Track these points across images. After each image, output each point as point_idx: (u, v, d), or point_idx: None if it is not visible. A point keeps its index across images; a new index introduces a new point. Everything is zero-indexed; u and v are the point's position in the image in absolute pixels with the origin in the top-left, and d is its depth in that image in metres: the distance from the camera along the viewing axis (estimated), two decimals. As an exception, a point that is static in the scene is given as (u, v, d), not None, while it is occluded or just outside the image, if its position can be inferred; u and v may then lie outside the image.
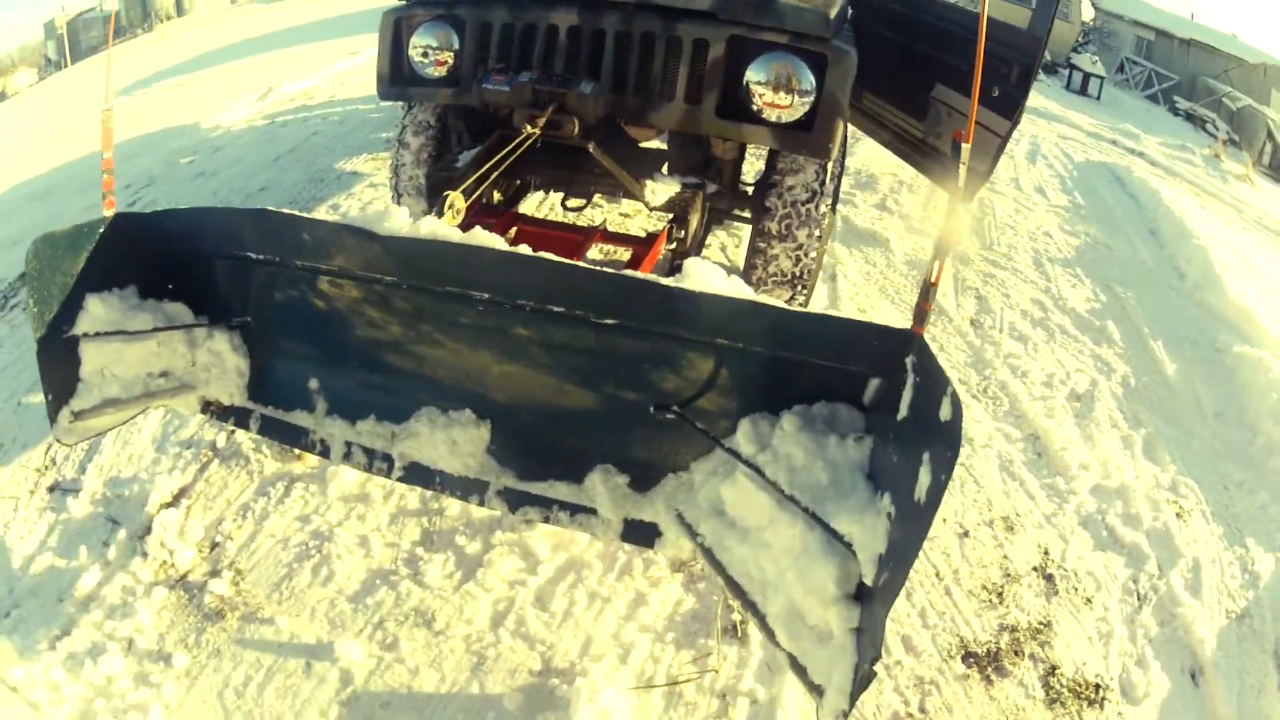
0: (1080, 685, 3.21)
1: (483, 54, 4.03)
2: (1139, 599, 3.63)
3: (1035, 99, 13.05)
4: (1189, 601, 3.63)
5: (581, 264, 2.51)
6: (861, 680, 2.01)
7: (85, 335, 3.02)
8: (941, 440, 1.96)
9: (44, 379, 2.97)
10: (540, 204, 6.44)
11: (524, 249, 2.54)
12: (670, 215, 4.23)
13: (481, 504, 2.92)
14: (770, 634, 2.31)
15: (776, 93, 3.74)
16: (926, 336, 2.22)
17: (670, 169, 4.37)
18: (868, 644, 2.05)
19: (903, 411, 2.21)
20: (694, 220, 4.21)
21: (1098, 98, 19.99)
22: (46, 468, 4.09)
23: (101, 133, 3.13)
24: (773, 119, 3.79)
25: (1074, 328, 5.89)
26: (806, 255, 4.21)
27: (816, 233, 4.20)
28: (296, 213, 2.84)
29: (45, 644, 3.19)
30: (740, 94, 3.81)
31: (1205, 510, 4.24)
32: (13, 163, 11.51)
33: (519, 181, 5.00)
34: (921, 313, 2.28)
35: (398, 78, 4.29)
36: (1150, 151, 14.06)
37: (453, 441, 2.92)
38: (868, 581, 2.10)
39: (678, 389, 2.68)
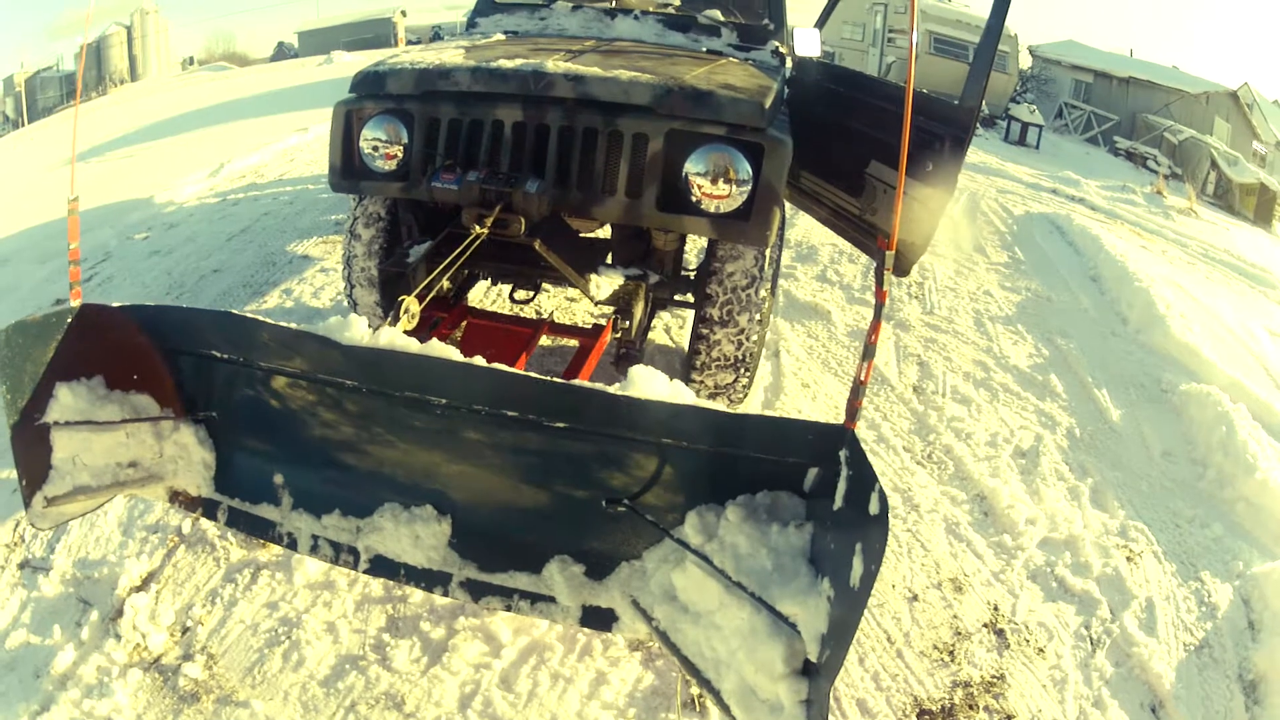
0: (1036, 732, 3.30)
1: (430, 149, 4.10)
2: (1092, 643, 3.71)
3: (973, 154, 13.23)
4: (1144, 640, 3.73)
5: (532, 375, 2.63)
6: None
7: (56, 423, 3.06)
8: (872, 532, 2.08)
9: (18, 464, 3.00)
10: (486, 291, 6.56)
11: (478, 360, 2.67)
12: (614, 306, 4.34)
13: (445, 594, 2.99)
14: (725, 709, 2.43)
15: (715, 183, 3.82)
16: (861, 426, 2.38)
17: (613, 260, 4.51)
18: (816, 714, 2.19)
19: (838, 502, 2.34)
20: (638, 311, 4.33)
21: (1037, 146, 20.44)
22: (15, 544, 4.11)
23: (68, 223, 3.20)
24: (711, 209, 3.87)
25: (1016, 385, 6.03)
26: (748, 339, 4.31)
27: (757, 316, 4.29)
28: (259, 317, 2.92)
29: (26, 719, 3.22)
30: (679, 185, 3.89)
31: (1157, 550, 4.35)
32: None
33: (467, 273, 5.06)
34: (852, 409, 2.42)
35: (349, 170, 4.31)
36: (1091, 196, 14.41)
37: (416, 536, 3.00)
38: (812, 658, 2.23)
39: (627, 484, 2.80)
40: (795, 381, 5.73)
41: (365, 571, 3.07)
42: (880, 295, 2.50)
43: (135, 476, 3.28)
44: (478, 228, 3.69)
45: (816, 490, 2.58)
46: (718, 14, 5.71)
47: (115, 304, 3.17)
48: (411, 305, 3.25)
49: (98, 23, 40.45)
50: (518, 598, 2.94)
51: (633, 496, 2.79)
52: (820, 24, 5.73)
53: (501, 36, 5.19)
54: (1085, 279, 8.90)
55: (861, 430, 4.58)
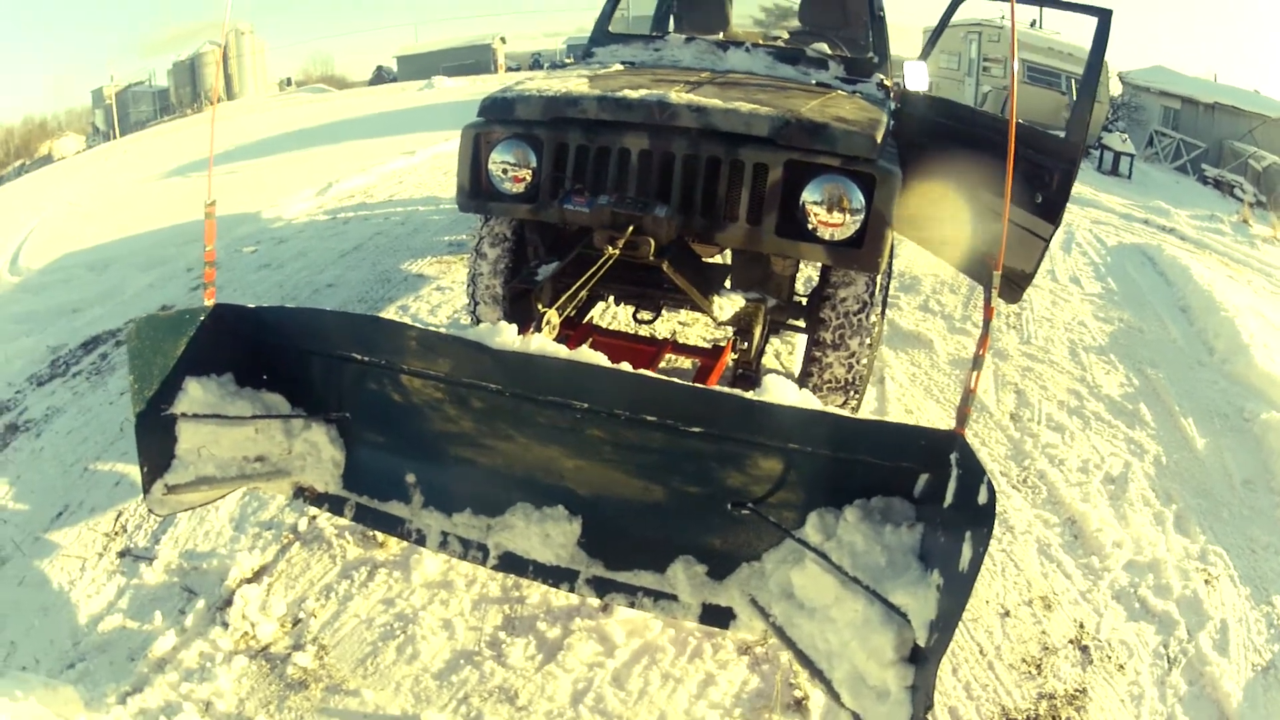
0: (1114, 744, 3.42)
1: (558, 173, 4.25)
2: (1169, 662, 3.82)
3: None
4: (1216, 659, 3.82)
5: (674, 380, 2.79)
6: None
7: (183, 415, 3.28)
8: (980, 519, 2.28)
9: (140, 451, 3.21)
10: (603, 312, 6.83)
11: (625, 366, 2.87)
12: (734, 328, 4.48)
13: (572, 590, 3.17)
14: (835, 696, 2.62)
15: (830, 212, 3.94)
16: (969, 434, 2.56)
17: (733, 284, 4.64)
18: (921, 698, 2.39)
19: (948, 500, 2.53)
20: (757, 332, 4.46)
21: (1129, 176, 20.15)
22: (116, 533, 4.27)
23: (205, 227, 3.45)
24: (826, 236, 3.98)
25: (1108, 413, 6.12)
26: (859, 362, 4.42)
27: (868, 341, 4.41)
28: (407, 321, 3.20)
29: (114, 698, 3.30)
30: (797, 213, 4.01)
31: (1233, 575, 4.44)
32: (64, 231, 11.83)
33: (588, 294, 5.14)
34: (962, 415, 2.63)
35: (477, 191, 4.49)
36: (1180, 226, 14.26)
37: (546, 534, 3.17)
38: (921, 643, 2.43)
39: (751, 487, 2.95)
40: (899, 406, 5.89)
41: (494, 567, 3.27)
42: (988, 311, 2.71)
43: (261, 470, 3.49)
44: (610, 249, 3.88)
45: (926, 495, 2.75)
46: (824, 47, 5.95)
47: (251, 305, 3.44)
48: (552, 317, 3.54)
49: (192, 41, 41.26)
50: (641, 595, 3.11)
51: (756, 500, 2.95)
52: (924, 56, 5.84)
53: (620, 66, 5.36)
54: (1175, 309, 8.88)
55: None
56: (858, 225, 3.95)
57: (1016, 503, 4.91)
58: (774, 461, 2.91)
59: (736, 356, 4.55)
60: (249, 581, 3.94)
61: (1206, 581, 4.37)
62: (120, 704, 3.28)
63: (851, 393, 4.53)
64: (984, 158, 4.81)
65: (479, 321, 4.96)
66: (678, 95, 4.15)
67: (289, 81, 47.62)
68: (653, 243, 3.93)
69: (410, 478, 3.44)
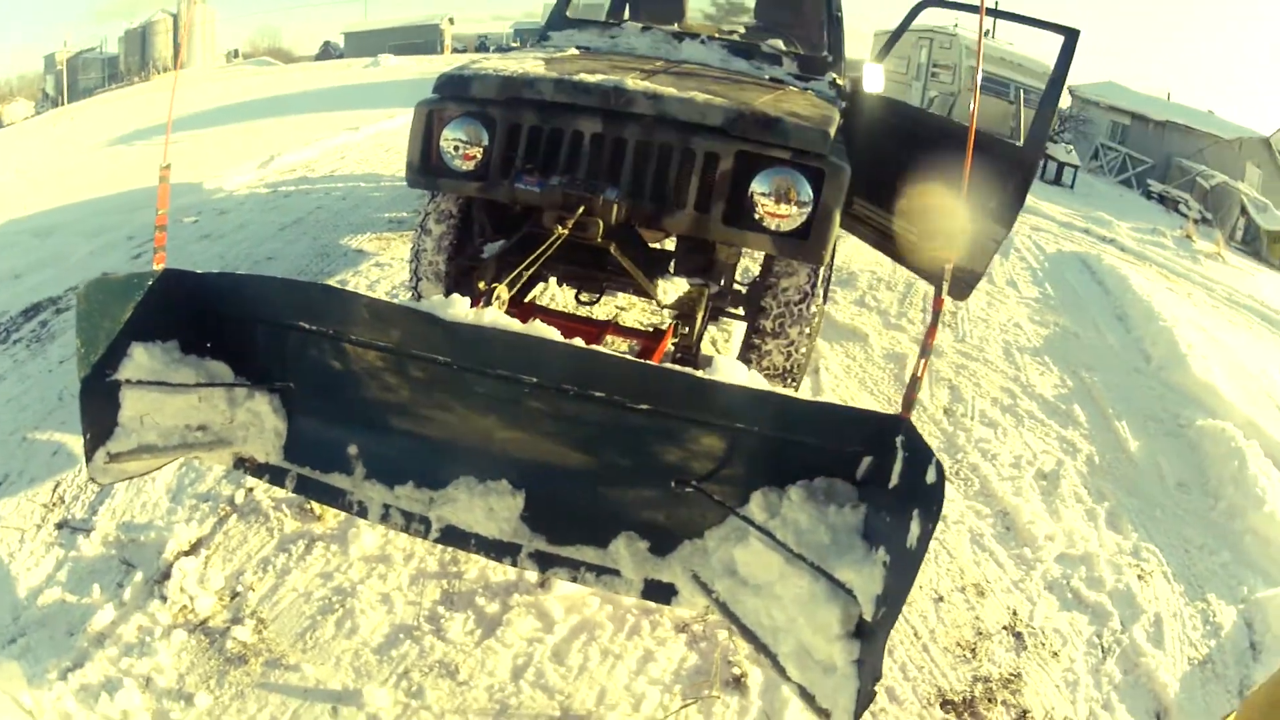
0: (1050, 727, 3.49)
1: (510, 153, 4.24)
2: (1103, 651, 3.91)
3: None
4: (1152, 651, 3.92)
5: (625, 356, 2.89)
6: (863, 699, 2.41)
7: (128, 381, 3.16)
8: (928, 498, 2.32)
9: (84, 418, 3.10)
10: (543, 292, 6.84)
11: (578, 341, 2.86)
12: (676, 312, 4.55)
13: (514, 565, 3.17)
14: (781, 670, 2.66)
15: (778, 203, 3.99)
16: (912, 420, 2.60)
17: (676, 269, 4.65)
18: (868, 670, 2.42)
19: (894, 481, 2.58)
20: (699, 317, 4.49)
21: (1071, 186, 20.57)
22: (54, 505, 4.15)
23: (158, 191, 3.30)
24: (773, 227, 4.02)
25: (1041, 412, 6.25)
26: (797, 351, 4.50)
27: (807, 330, 4.47)
28: (359, 291, 3.08)
29: (55, 674, 3.23)
30: (745, 203, 4.04)
31: (1167, 571, 4.56)
32: (10, 197, 11.66)
33: (532, 274, 5.07)
34: (908, 401, 2.68)
35: (427, 167, 4.43)
36: (1121, 238, 14.56)
37: (490, 508, 3.13)
38: (867, 618, 2.47)
39: (694, 465, 2.95)
40: (834, 397, 5.90)
41: (435, 540, 3.21)
42: (938, 303, 2.79)
43: (203, 440, 3.39)
44: (559, 228, 3.84)
45: (869, 477, 2.77)
46: (779, 43, 5.93)
47: (200, 270, 3.33)
48: (502, 293, 3.49)
49: (143, 9, 40.66)
50: (584, 570, 3.09)
51: (700, 478, 2.93)
52: (880, 58, 5.92)
53: (575, 51, 5.34)
54: (1112, 317, 9.09)
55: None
56: (804, 217, 4.01)
57: (950, 493, 4.96)
58: (718, 440, 2.93)
59: (677, 340, 4.58)
60: (186, 554, 3.87)
61: (1140, 576, 4.47)
62: (61, 680, 3.23)
63: (789, 380, 4.59)
64: (937, 160, 4.85)
65: (420, 297, 4.92)
66: (634, 82, 4.17)
67: (236, 53, 47.11)
68: (601, 225, 3.96)
69: (352, 449, 3.39)
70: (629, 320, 6.64)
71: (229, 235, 8.47)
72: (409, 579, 3.85)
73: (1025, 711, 3.52)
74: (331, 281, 6.62)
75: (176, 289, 3.28)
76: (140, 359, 3.21)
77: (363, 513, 3.33)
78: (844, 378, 6.33)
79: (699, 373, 2.77)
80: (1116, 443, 6.02)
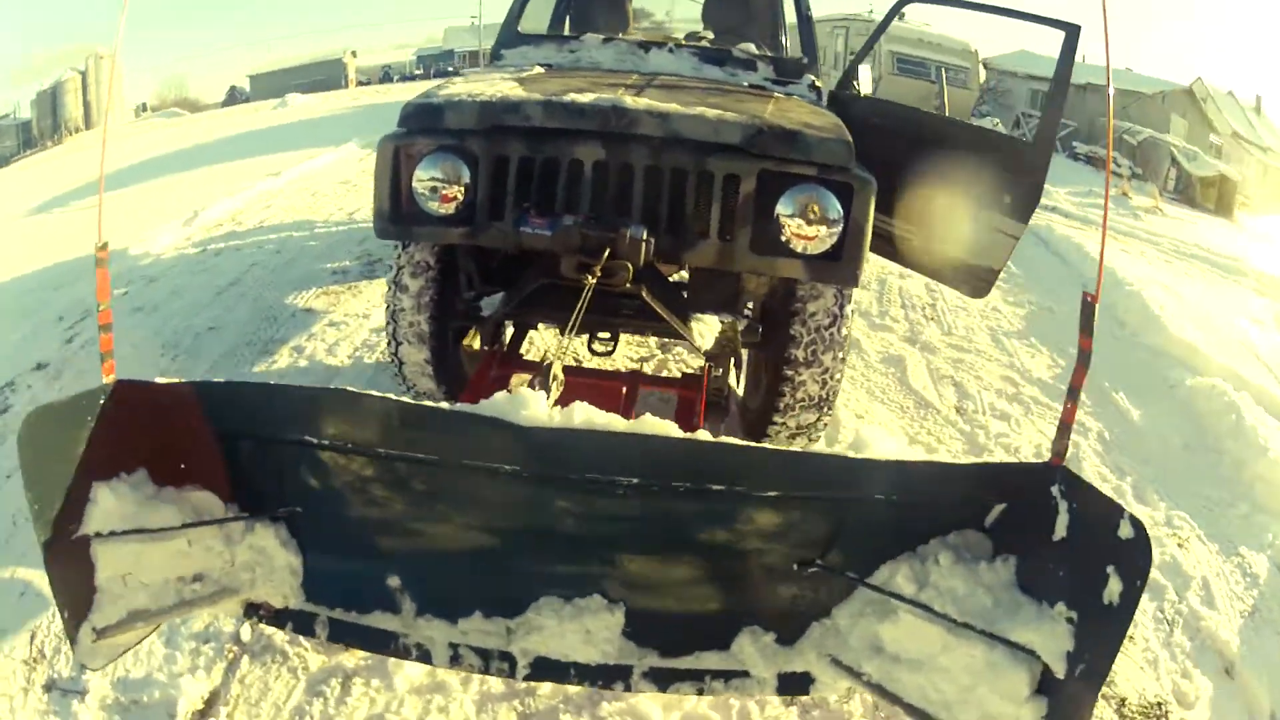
0: (1146, 707, 3.57)
1: (498, 190, 3.79)
2: (1169, 624, 4.04)
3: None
4: (1208, 614, 4.07)
5: (750, 444, 2.50)
6: None
7: (97, 535, 2.57)
8: (1129, 553, 2.21)
9: (55, 590, 2.51)
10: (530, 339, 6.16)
11: (672, 430, 2.46)
12: (709, 355, 4.26)
13: (628, 689, 2.76)
14: None
15: (807, 224, 3.66)
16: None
17: (695, 305, 4.29)
18: None
19: (1059, 533, 2.44)
20: (733, 357, 4.30)
21: (1000, 159, 20.87)
22: (35, 660, 3.45)
23: (97, 278, 2.70)
24: (802, 250, 3.71)
25: (1045, 396, 6.38)
26: (832, 378, 4.23)
27: (840, 355, 4.22)
28: (386, 395, 2.60)
29: None
30: (770, 227, 3.71)
31: (1200, 534, 4.72)
32: None
33: (519, 323, 4.85)
34: (1062, 448, 2.57)
35: (398, 214, 3.89)
36: (1062, 204, 14.86)
37: (585, 630, 2.73)
38: (1060, 675, 2.32)
39: (814, 543, 2.69)
40: (849, 413, 5.80)
41: (526, 677, 2.80)
42: (1085, 343, 2.61)
43: (203, 593, 2.81)
44: (589, 277, 3.44)
45: (1002, 524, 2.64)
46: (751, 47, 5.68)
47: (160, 379, 2.73)
48: (558, 371, 3.10)
49: (53, 69, 39.90)
50: (709, 679, 2.78)
51: (823, 555, 2.69)
52: (861, 59, 5.64)
53: (540, 69, 4.92)
54: (1077, 288, 9.20)
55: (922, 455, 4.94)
56: (835, 237, 3.71)
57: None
58: (840, 513, 2.69)
59: (716, 386, 4.29)
60: (203, 715, 3.20)
61: (1180, 545, 4.64)
62: None
63: (825, 409, 4.39)
64: (942, 162, 4.71)
65: (401, 363, 4.55)
66: (632, 99, 3.81)
67: (144, 107, 46.49)
68: (630, 268, 3.61)
69: (394, 581, 2.86)
70: (619, 361, 6.24)
71: (163, 305, 7.61)
72: (475, 707, 3.24)
73: (1124, 699, 3.61)
74: (285, 349, 6.44)
75: (136, 406, 2.67)
76: (107, 504, 2.61)
77: (425, 657, 2.83)
78: (851, 389, 6.21)
79: (850, 454, 2.54)
80: (1119, 415, 6.21)
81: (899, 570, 2.65)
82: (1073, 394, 2.57)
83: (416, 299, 4.34)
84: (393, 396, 2.61)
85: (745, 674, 2.77)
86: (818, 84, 5.37)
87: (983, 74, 27.95)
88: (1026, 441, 5.68)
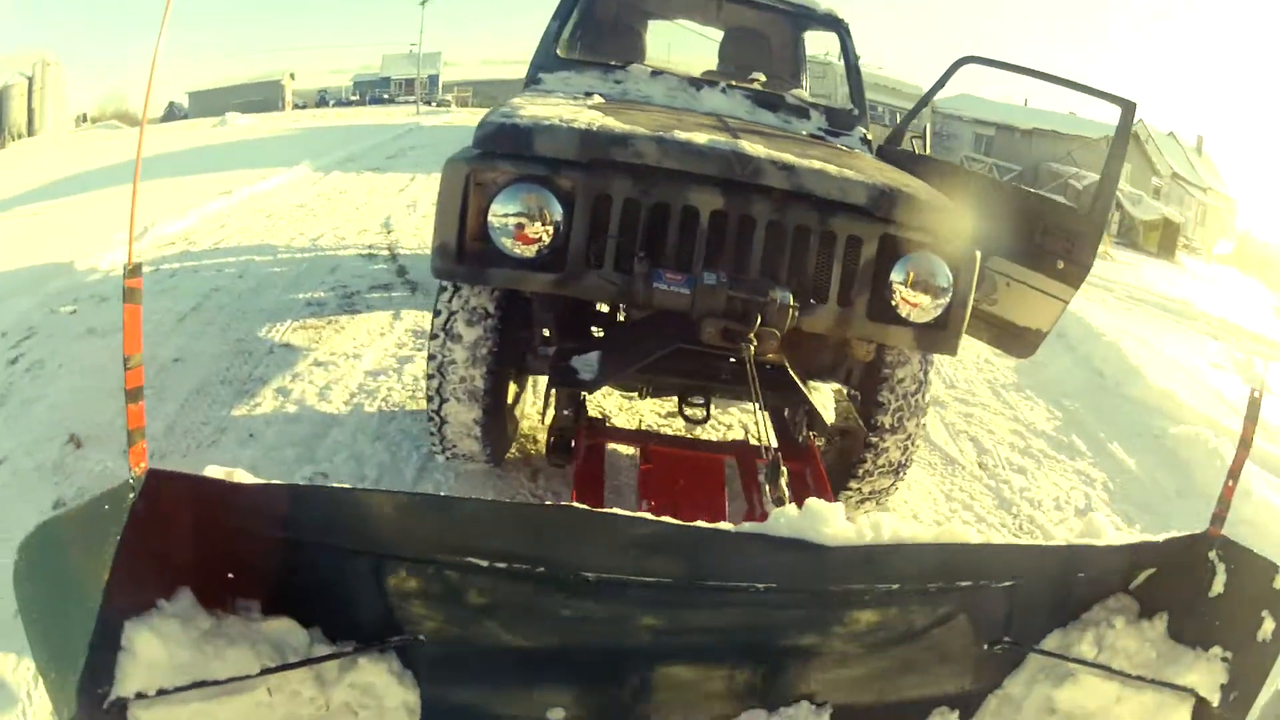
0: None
1: (595, 233, 3.39)
2: None
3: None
4: None
5: (989, 542, 2.63)
6: None
7: (138, 697, 1.92)
8: (1274, 600, 2.54)
9: None
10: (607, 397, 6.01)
11: (921, 534, 2.36)
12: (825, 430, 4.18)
13: None
14: None
15: (920, 293, 3.52)
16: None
17: (796, 372, 3.96)
18: None
19: (1216, 589, 2.68)
20: (853, 427, 4.13)
21: (943, 206, 21.53)
22: None
23: (124, 317, 1.93)
24: (911, 318, 3.56)
25: (1051, 449, 6.73)
26: (913, 444, 4.27)
27: (922, 421, 4.25)
28: (566, 504, 2.26)
29: None
30: (883, 294, 3.55)
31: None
32: None
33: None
34: (1220, 516, 2.71)
35: (467, 252, 3.38)
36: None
37: None
38: (1215, 704, 2.62)
39: (997, 624, 2.74)
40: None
41: None
42: (1248, 430, 2.72)
43: None
44: (748, 347, 3.23)
45: (1148, 585, 2.85)
46: (804, 94, 5.59)
47: (213, 470, 2.11)
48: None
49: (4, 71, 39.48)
50: None
51: (1009, 633, 2.74)
52: (912, 117, 5.89)
53: (600, 99, 4.47)
54: (1054, 339, 9.57)
55: (963, 515, 5.22)
56: (943, 307, 3.58)
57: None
58: (1015, 594, 2.74)
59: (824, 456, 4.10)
60: None
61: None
62: None
63: (900, 474, 4.41)
64: (998, 226, 4.66)
65: (443, 422, 4.07)
66: (751, 146, 3.52)
67: (85, 118, 46.39)
68: (778, 335, 3.32)
69: (556, 715, 2.43)
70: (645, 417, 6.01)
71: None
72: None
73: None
74: (268, 390, 5.61)
75: (176, 506, 2.07)
76: (148, 651, 1.96)
77: None
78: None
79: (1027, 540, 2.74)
80: (1117, 465, 6.66)
81: (1078, 637, 2.82)
82: (1233, 475, 2.72)
83: (472, 351, 3.87)
84: (573, 504, 2.29)
85: None
86: (868, 136, 5.28)
87: (929, 115, 28.66)
88: (1046, 495, 5.96)
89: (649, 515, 2.20)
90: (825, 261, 3.51)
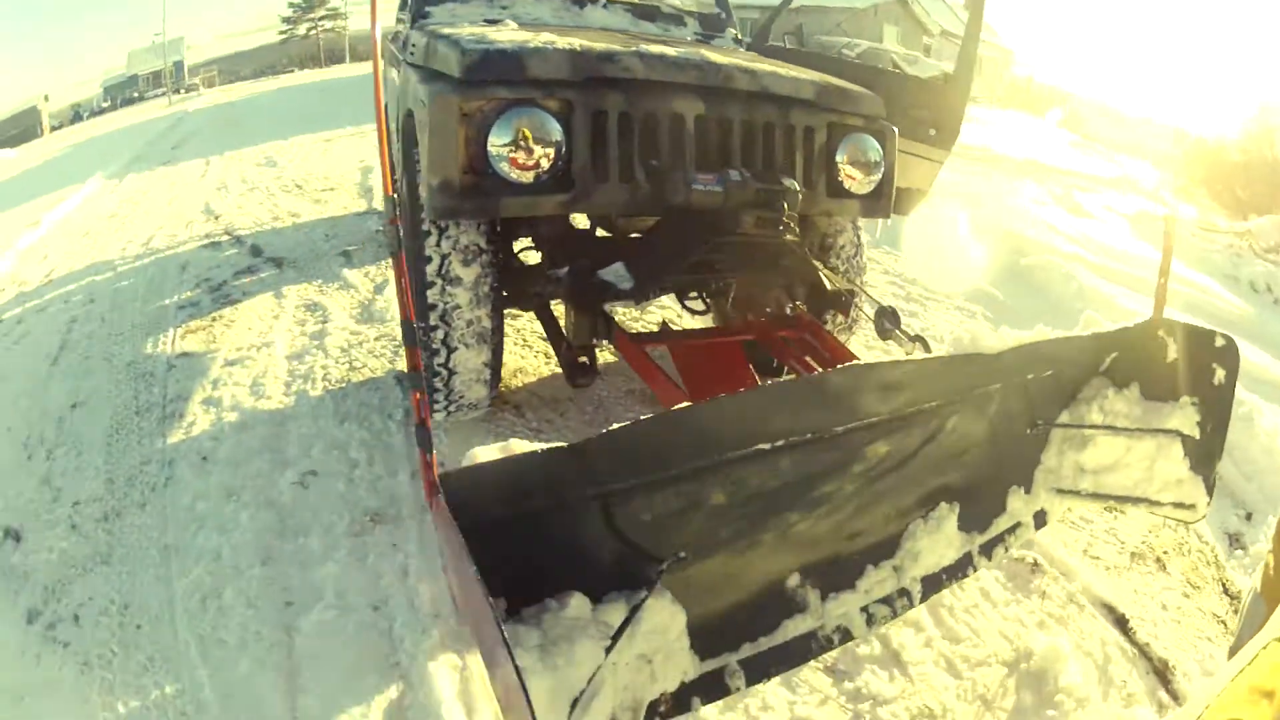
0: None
1: (596, 150, 3.45)
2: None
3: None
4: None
5: (993, 347, 2.78)
6: (1209, 487, 3.12)
7: None
8: (1223, 352, 3.08)
9: None
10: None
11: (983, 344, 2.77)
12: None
13: (964, 575, 3.00)
14: (1153, 502, 3.21)
15: (859, 169, 4.05)
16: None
17: None
18: (1206, 471, 3.13)
19: (1171, 356, 3.18)
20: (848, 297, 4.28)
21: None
22: None
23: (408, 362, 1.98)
24: (855, 192, 4.08)
25: (926, 294, 7.55)
26: (861, 297, 4.46)
27: (862, 279, 4.72)
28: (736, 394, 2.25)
29: None
30: (832, 173, 4.03)
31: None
32: None
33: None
34: (1158, 306, 3.19)
35: (470, 185, 3.32)
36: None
37: (947, 538, 2.98)
38: (1197, 436, 3.11)
39: (1029, 410, 3.22)
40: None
41: (920, 601, 2.84)
42: (1169, 221, 3.22)
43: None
44: (788, 236, 3.62)
45: (1113, 366, 3.32)
46: (678, 2, 5.73)
47: (491, 450, 1.92)
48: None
49: None
50: (1006, 536, 3.12)
51: (1038, 417, 3.23)
52: (776, 14, 6.35)
53: (513, 24, 4.38)
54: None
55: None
56: (878, 179, 4.12)
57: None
58: (1033, 387, 3.19)
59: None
60: None
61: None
62: None
63: (854, 327, 4.81)
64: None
65: (452, 372, 3.87)
66: (713, 55, 3.85)
67: None
68: (788, 219, 3.62)
69: (793, 580, 2.59)
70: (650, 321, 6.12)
71: None
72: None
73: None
74: (194, 401, 5.00)
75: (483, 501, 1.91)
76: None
77: (846, 636, 2.62)
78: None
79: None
80: (989, 297, 7.44)
81: (1084, 411, 3.32)
82: (1163, 273, 3.17)
83: (474, 291, 3.72)
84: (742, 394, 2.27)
85: (1018, 524, 3.16)
86: (739, 36, 5.67)
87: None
88: (945, 330, 6.51)
89: (874, 361, 2.46)
90: (789, 151, 3.87)
